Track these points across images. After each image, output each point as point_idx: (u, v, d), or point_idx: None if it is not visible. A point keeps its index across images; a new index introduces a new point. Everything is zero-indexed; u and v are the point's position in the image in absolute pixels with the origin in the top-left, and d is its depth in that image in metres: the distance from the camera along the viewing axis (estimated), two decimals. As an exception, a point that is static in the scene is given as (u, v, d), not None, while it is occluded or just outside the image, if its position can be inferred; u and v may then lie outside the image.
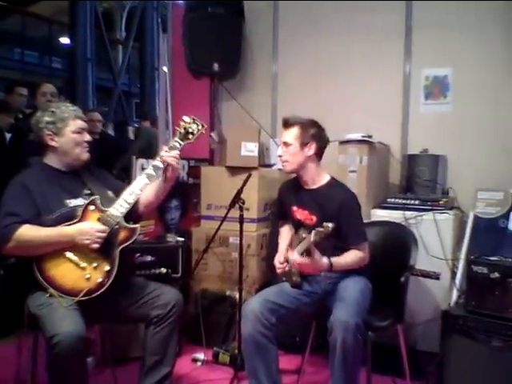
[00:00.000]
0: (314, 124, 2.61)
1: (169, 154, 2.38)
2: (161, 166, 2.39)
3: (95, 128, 5.20)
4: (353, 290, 2.48)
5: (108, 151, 4.69)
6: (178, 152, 2.41)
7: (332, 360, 2.32)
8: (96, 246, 2.25)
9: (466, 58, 3.59)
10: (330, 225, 2.24)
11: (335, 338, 2.27)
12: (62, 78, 14.18)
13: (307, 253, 2.40)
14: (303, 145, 2.58)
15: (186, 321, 3.14)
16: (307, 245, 2.35)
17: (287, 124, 2.62)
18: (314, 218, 2.60)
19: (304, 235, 2.42)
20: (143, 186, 2.38)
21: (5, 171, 3.08)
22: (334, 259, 2.45)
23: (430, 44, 3.72)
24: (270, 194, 3.73)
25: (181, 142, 2.42)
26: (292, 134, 2.58)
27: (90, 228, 2.25)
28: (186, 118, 2.45)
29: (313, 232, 2.28)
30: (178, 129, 2.45)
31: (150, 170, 2.40)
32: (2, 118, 4.24)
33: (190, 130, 2.43)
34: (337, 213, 2.51)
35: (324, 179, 2.67)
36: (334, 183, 2.67)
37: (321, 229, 2.25)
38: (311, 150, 2.59)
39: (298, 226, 2.67)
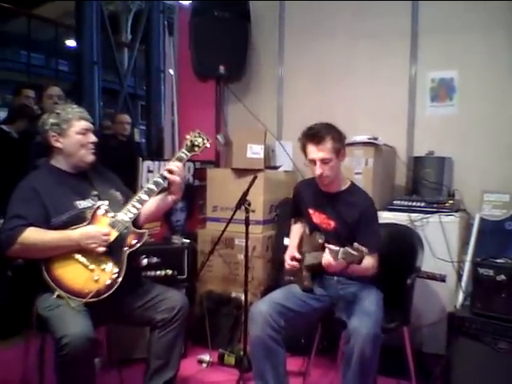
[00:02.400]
0: (335, 128, 2.53)
1: (174, 165, 2.45)
2: (168, 176, 2.45)
3: (125, 131, 5.26)
4: (369, 301, 2.47)
5: (134, 154, 4.74)
6: (181, 164, 2.48)
7: (346, 369, 2.31)
8: (102, 249, 2.26)
9: (471, 61, 3.59)
10: (365, 250, 2.12)
11: (352, 347, 2.25)
12: (68, 80, 14.22)
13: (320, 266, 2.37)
14: (338, 154, 2.51)
15: (192, 322, 3.14)
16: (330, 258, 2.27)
17: (320, 139, 2.46)
18: (332, 224, 2.59)
19: (321, 241, 2.40)
20: (151, 194, 2.43)
21: (12, 173, 3.10)
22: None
23: (436, 46, 3.72)
24: (276, 196, 3.73)
25: (187, 154, 2.55)
26: (328, 149, 2.46)
27: (95, 232, 2.26)
28: (192, 132, 2.58)
29: (341, 250, 2.18)
30: (185, 141, 2.56)
31: (158, 179, 2.46)
32: (20, 122, 4.29)
33: (196, 143, 2.57)
34: (357, 220, 2.52)
35: (345, 184, 2.65)
36: (355, 189, 2.66)
37: (354, 252, 2.13)
38: (343, 156, 2.56)
39: (313, 228, 2.66)
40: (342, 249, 2.19)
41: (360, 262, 2.18)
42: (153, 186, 2.43)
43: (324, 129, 2.50)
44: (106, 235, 2.27)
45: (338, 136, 2.52)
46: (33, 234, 2.19)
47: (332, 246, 2.28)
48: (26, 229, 2.18)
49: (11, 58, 15.47)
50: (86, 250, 2.25)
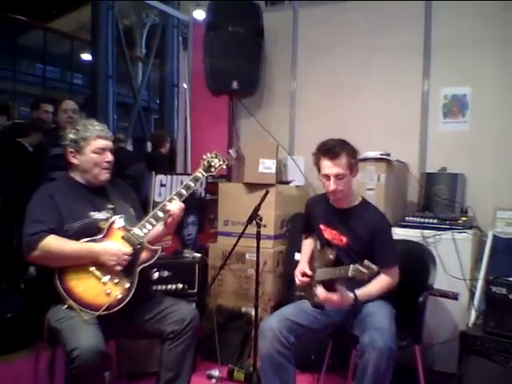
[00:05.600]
0: (349, 144, 2.54)
1: (176, 207, 2.44)
2: (192, 185, 2.52)
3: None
4: (382, 316, 2.43)
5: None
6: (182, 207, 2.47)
7: (359, 382, 2.28)
8: (119, 268, 2.29)
9: (484, 77, 3.59)
10: (376, 268, 2.12)
11: (367, 361, 2.22)
12: (82, 93, 14.39)
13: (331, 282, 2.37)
14: (352, 170, 2.52)
15: (201, 337, 3.13)
16: (339, 277, 2.27)
17: (335, 154, 2.46)
18: (344, 239, 2.58)
19: (331, 257, 2.40)
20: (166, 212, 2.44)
21: (26, 186, 3.13)
22: (359, 292, 2.41)
23: (448, 63, 3.72)
24: (287, 211, 3.73)
25: (204, 174, 2.61)
26: (343, 164, 2.46)
27: (117, 250, 2.29)
28: (209, 153, 2.64)
29: (351, 267, 2.17)
30: (201, 161, 2.62)
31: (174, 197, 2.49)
32: (35, 136, 4.36)
33: (213, 164, 2.62)
34: (370, 236, 2.51)
35: (356, 200, 2.64)
36: (366, 205, 2.65)
37: (364, 269, 2.12)
38: (356, 171, 2.57)
39: (324, 244, 2.66)
40: (351, 265, 2.18)
41: (370, 279, 2.17)
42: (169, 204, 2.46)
43: (339, 144, 2.50)
44: (126, 255, 2.30)
45: (352, 152, 2.52)
46: (54, 242, 2.22)
47: (343, 289, 2.32)
48: (47, 235, 2.21)
49: (27, 71, 15.70)
50: (102, 264, 2.27)
